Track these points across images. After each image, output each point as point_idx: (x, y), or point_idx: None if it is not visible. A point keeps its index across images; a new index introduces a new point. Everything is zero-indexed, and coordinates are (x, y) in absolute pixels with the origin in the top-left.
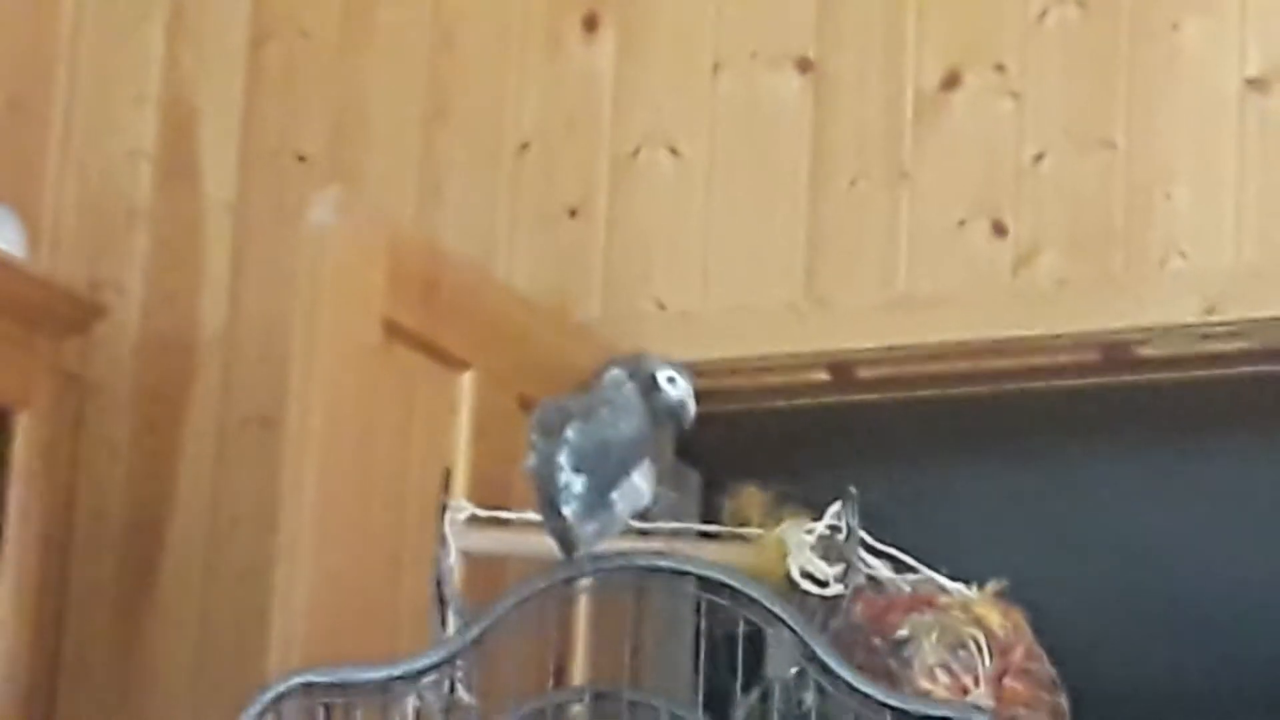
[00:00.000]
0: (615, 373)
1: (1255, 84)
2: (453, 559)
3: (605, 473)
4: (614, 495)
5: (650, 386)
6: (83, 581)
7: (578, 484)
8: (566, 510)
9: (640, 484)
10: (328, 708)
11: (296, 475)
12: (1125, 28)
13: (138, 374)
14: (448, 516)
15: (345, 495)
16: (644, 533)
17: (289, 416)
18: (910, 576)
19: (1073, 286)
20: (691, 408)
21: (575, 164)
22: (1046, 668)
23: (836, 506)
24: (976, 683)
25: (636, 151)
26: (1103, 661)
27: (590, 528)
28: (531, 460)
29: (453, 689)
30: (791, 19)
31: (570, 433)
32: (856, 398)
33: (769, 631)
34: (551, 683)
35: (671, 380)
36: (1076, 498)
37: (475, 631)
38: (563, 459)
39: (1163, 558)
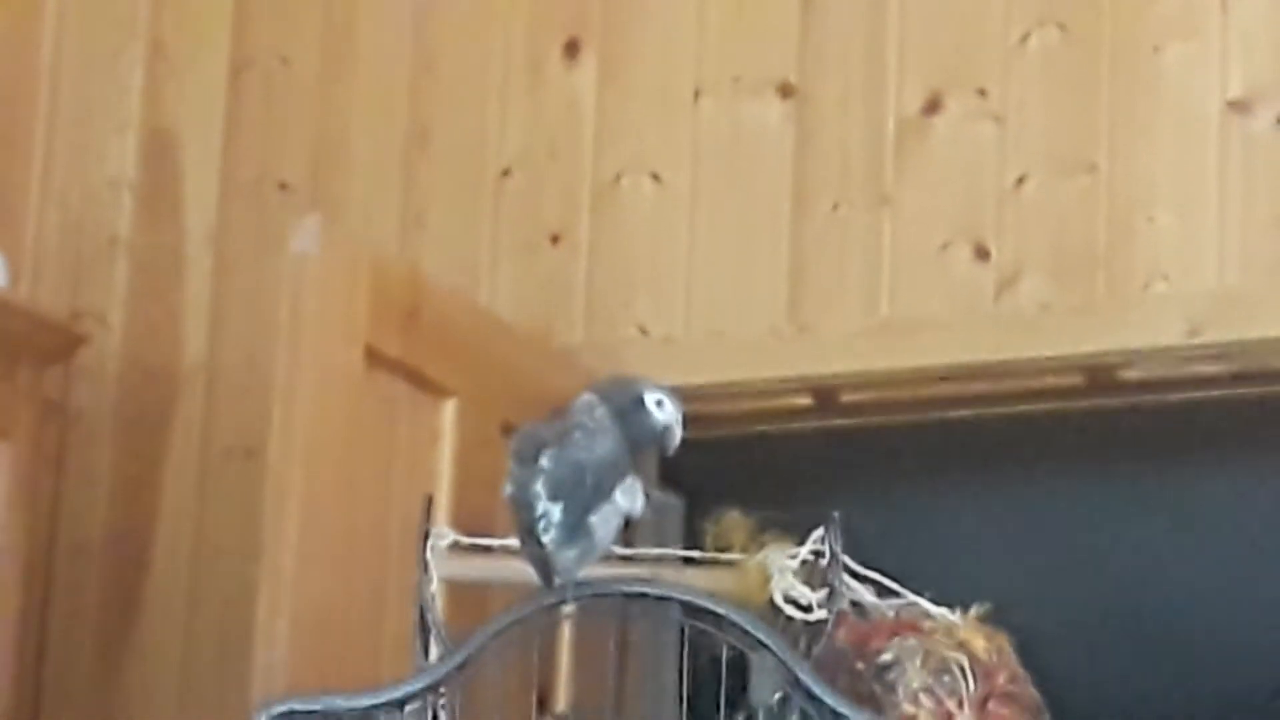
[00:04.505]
0: (587, 397)
1: (1237, 106)
2: (435, 586)
3: (582, 498)
4: (593, 519)
5: (637, 408)
6: (65, 611)
7: (556, 512)
8: (546, 538)
9: (623, 502)
10: None
11: (279, 504)
12: (1107, 51)
13: (119, 403)
14: (430, 544)
15: (328, 523)
16: (627, 559)
17: (271, 445)
18: (894, 601)
19: (1055, 310)
20: (678, 433)
21: (557, 190)
22: (1031, 692)
23: (819, 531)
24: (961, 707)
25: (618, 177)
26: (1087, 685)
27: (570, 554)
28: (508, 488)
29: (436, 717)
30: (773, 44)
31: (545, 461)
32: (840, 422)
33: (753, 657)
34: (535, 710)
35: (660, 403)
36: (1060, 521)
37: (458, 659)
38: (539, 487)
39: (1148, 581)
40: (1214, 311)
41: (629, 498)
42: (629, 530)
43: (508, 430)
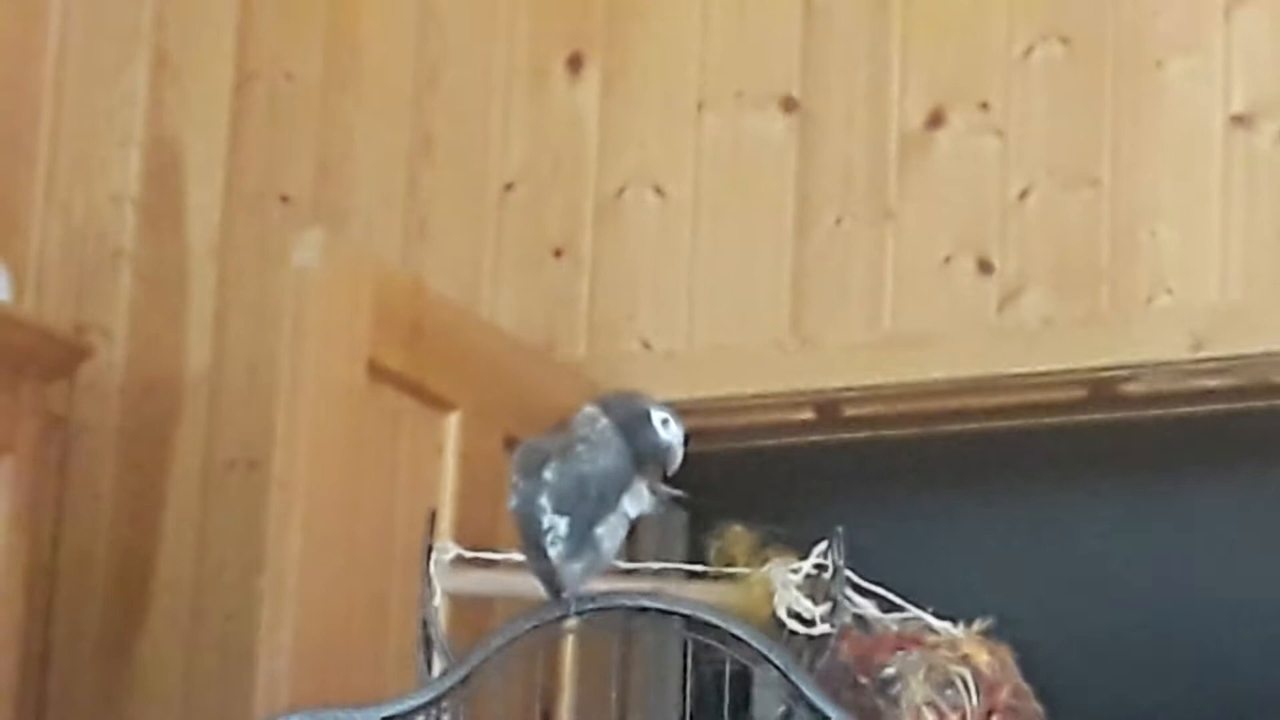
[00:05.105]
0: (589, 409)
1: (1240, 120)
2: (438, 600)
3: (587, 510)
4: (599, 531)
5: (643, 424)
6: (68, 624)
7: (562, 525)
8: (553, 552)
9: (630, 509)
10: None
11: (282, 517)
12: (1110, 65)
13: (123, 416)
14: (433, 558)
15: (331, 537)
16: (630, 572)
17: (274, 458)
18: (897, 615)
19: (1059, 323)
20: (679, 454)
21: (560, 204)
22: (1033, 705)
23: (823, 545)
24: None
25: (622, 191)
26: (1090, 699)
27: (576, 566)
28: (513, 501)
29: None
30: (776, 58)
31: (549, 474)
32: (843, 436)
33: (756, 671)
34: None
35: (665, 422)
36: (1063, 535)
37: (461, 673)
38: (544, 501)
39: (1150, 595)
40: (1217, 325)
41: (636, 502)
42: (632, 544)
43: (510, 444)
